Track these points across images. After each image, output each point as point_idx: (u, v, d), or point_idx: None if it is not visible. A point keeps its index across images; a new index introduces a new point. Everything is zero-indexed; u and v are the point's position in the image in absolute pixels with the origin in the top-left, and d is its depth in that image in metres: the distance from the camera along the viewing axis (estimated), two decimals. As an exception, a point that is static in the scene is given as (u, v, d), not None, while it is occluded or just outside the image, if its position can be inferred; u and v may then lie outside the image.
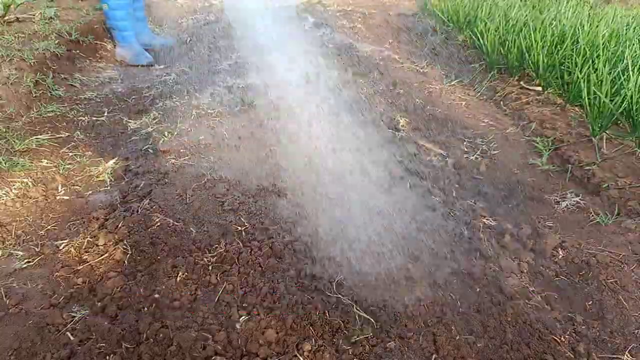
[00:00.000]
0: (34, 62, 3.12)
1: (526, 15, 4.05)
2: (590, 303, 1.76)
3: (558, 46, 3.44)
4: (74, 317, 1.51)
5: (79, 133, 2.65)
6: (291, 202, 2.10)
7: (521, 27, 3.80)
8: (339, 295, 1.65)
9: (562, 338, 1.60)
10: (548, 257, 1.94)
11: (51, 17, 3.95)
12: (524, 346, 1.56)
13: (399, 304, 1.65)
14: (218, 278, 1.68)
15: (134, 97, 3.17)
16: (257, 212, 2.02)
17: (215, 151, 2.43)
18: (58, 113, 2.84)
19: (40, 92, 2.96)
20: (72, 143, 2.55)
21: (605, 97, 2.59)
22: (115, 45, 3.92)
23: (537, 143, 2.84)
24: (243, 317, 1.55)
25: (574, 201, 2.31)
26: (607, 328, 1.66)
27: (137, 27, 3.99)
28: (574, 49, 3.29)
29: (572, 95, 3.05)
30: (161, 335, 1.46)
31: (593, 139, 2.67)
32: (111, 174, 2.27)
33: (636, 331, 1.65)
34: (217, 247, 1.81)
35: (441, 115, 3.26)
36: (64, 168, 2.29)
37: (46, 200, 2.07)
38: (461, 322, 1.61)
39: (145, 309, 1.55)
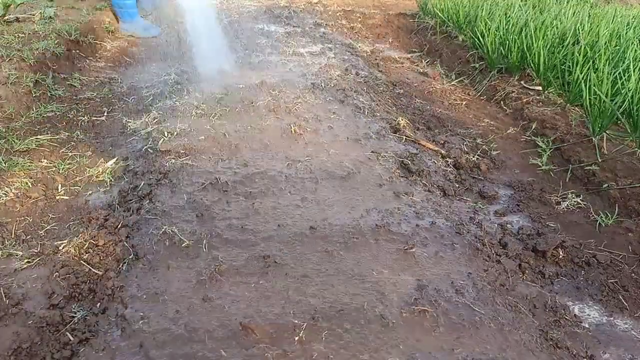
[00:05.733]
0: (33, 62, 3.12)
1: (527, 15, 4.05)
2: (590, 303, 1.75)
3: (558, 46, 3.43)
4: (74, 317, 1.50)
5: (79, 133, 2.65)
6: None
7: (521, 27, 3.79)
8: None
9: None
10: (548, 257, 1.94)
11: (51, 17, 3.96)
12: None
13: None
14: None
15: (134, 97, 3.17)
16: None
17: (215, 151, 2.43)
18: (58, 113, 2.84)
19: (40, 92, 2.96)
20: (72, 143, 2.55)
21: (606, 97, 2.58)
22: (120, 23, 4.40)
23: (538, 143, 2.84)
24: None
25: (574, 201, 2.30)
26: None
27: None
28: (575, 49, 3.28)
29: (573, 95, 3.05)
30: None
31: (593, 139, 2.67)
32: (111, 174, 2.27)
33: (636, 331, 1.65)
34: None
35: (441, 115, 3.26)
36: (64, 168, 2.29)
37: (46, 200, 2.07)
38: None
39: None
